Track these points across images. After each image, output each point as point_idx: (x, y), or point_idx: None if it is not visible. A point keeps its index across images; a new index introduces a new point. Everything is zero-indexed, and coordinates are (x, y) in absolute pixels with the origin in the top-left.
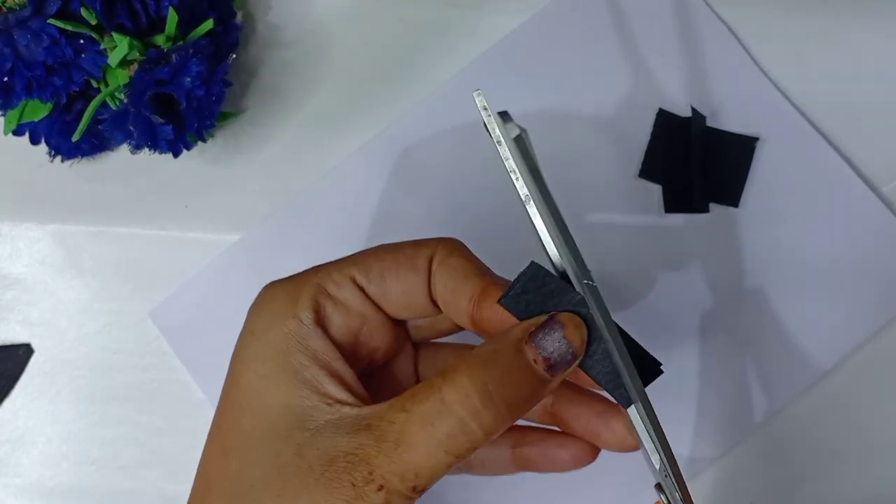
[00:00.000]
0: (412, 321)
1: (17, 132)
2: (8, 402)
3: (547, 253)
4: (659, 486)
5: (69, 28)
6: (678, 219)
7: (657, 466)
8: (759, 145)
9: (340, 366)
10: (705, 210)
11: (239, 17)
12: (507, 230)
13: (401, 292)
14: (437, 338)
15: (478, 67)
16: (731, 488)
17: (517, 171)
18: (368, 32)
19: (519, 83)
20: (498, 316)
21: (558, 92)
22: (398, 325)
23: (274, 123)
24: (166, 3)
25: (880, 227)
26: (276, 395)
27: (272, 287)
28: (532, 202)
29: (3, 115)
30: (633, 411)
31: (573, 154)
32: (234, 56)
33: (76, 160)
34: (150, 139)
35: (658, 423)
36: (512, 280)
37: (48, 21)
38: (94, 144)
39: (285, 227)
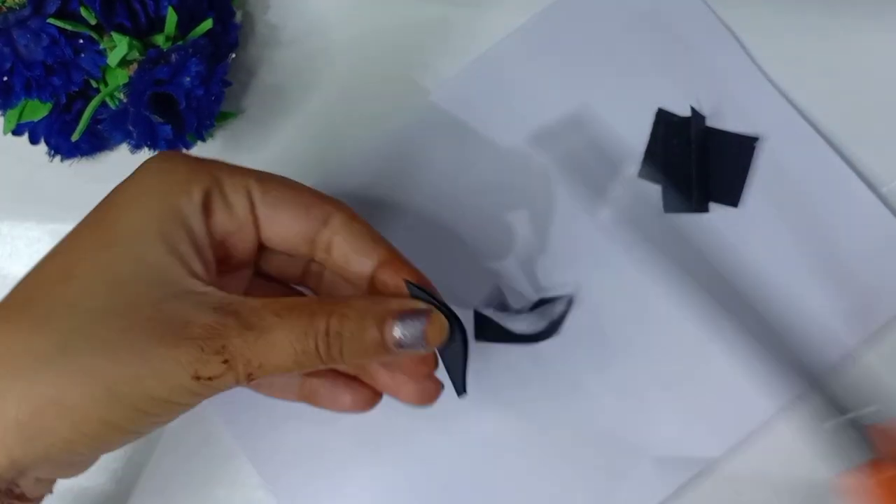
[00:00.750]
0: (269, 253)
1: (17, 132)
2: None
3: None
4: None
5: (68, 28)
6: (678, 219)
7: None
8: (758, 145)
9: (208, 253)
10: (705, 210)
11: (238, 17)
12: (501, 231)
13: (285, 227)
14: (278, 278)
15: (479, 67)
16: (732, 488)
17: None
18: (368, 32)
19: (520, 83)
20: (394, 283)
21: (558, 92)
22: (258, 249)
23: (273, 123)
24: (165, 3)
25: (880, 227)
26: (149, 250)
27: (174, 157)
28: None
29: (3, 114)
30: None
31: (573, 154)
32: (234, 56)
33: (76, 160)
34: (149, 139)
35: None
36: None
37: (48, 21)
38: (94, 144)
39: None
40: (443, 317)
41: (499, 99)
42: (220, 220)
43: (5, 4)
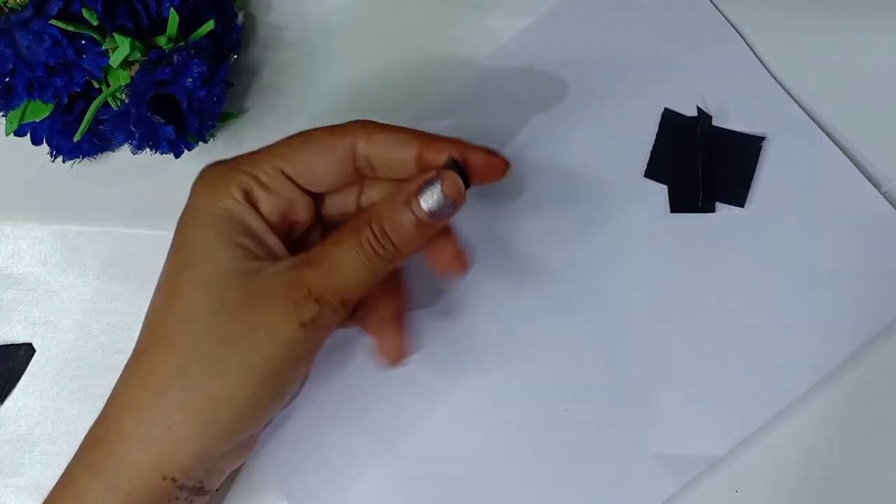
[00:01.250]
0: (327, 198)
1: (19, 133)
2: (9, 401)
3: None
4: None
5: (71, 29)
6: (684, 219)
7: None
8: (765, 145)
9: (270, 238)
10: (711, 210)
11: (240, 18)
12: (505, 232)
13: (326, 176)
14: (342, 215)
15: (484, 69)
16: (732, 488)
17: None
18: (369, 32)
19: (524, 84)
20: (438, 163)
21: (564, 92)
22: (316, 198)
23: (275, 124)
24: (167, 4)
25: (887, 226)
26: (217, 252)
27: (211, 170)
28: None
29: (5, 115)
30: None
31: (579, 154)
32: (235, 56)
33: (77, 160)
34: (151, 140)
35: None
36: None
37: (50, 22)
38: (96, 145)
39: None
40: (452, 173)
41: (504, 101)
42: (269, 204)
43: (7, 5)
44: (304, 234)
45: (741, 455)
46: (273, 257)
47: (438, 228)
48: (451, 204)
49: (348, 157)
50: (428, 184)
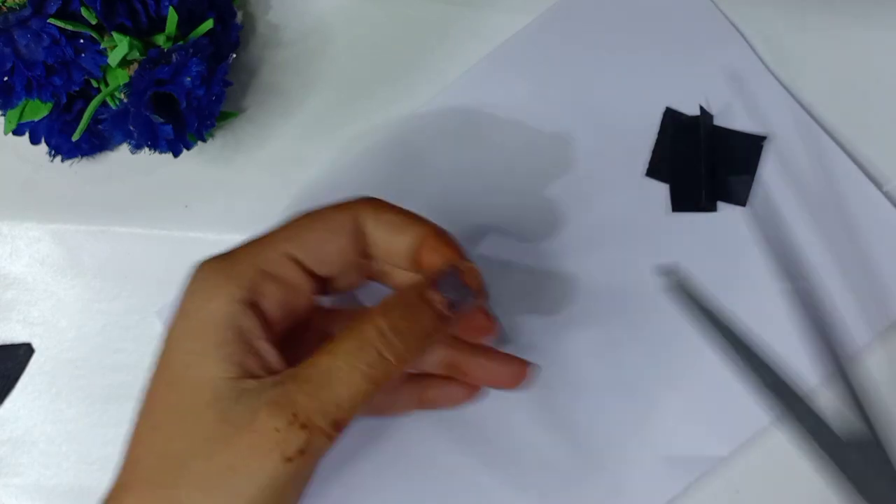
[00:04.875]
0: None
1: (17, 132)
2: (8, 401)
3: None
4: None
5: (69, 28)
6: (686, 218)
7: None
8: (766, 144)
9: (263, 345)
10: (713, 209)
11: (239, 17)
12: (508, 232)
13: (335, 255)
14: (346, 289)
15: (484, 68)
16: (733, 489)
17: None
18: (369, 32)
19: (525, 84)
20: (438, 255)
21: (565, 92)
22: (320, 281)
23: (274, 123)
24: (166, 3)
25: (888, 226)
26: (202, 369)
27: (205, 267)
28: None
29: (4, 114)
30: None
31: (580, 153)
32: (234, 56)
33: (76, 160)
34: (150, 139)
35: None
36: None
37: (48, 21)
38: (94, 144)
39: None
40: (472, 265)
41: (504, 100)
42: (276, 298)
43: (6, 4)
44: (301, 331)
45: (742, 456)
46: (264, 367)
47: (453, 326)
48: (471, 294)
49: (356, 236)
50: (445, 274)
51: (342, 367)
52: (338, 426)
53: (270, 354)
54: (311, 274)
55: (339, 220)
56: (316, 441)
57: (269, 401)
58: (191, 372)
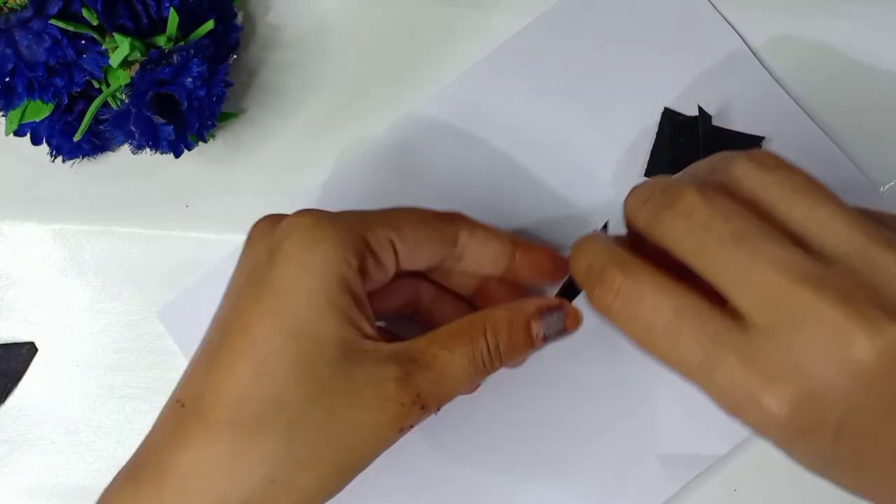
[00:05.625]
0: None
1: (19, 132)
2: (9, 400)
3: None
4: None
5: (70, 29)
6: None
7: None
8: (764, 144)
9: (369, 308)
10: None
11: (239, 18)
12: (510, 232)
13: (427, 257)
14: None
15: (484, 68)
16: (731, 487)
17: None
18: (369, 32)
19: (525, 84)
20: (527, 277)
21: (564, 92)
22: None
23: (274, 123)
24: (167, 4)
25: None
26: (327, 327)
27: (320, 224)
28: None
29: (5, 115)
30: None
31: (579, 154)
32: (235, 56)
33: (77, 160)
34: (151, 139)
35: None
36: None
37: (49, 21)
38: (96, 145)
39: None
40: (575, 308)
41: (503, 100)
42: (374, 276)
43: (7, 5)
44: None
45: (741, 454)
46: (369, 333)
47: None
48: (561, 336)
49: (451, 245)
50: (550, 311)
51: (458, 366)
52: (439, 410)
53: (372, 322)
54: (398, 265)
55: (441, 227)
56: (424, 418)
57: (397, 376)
58: (315, 327)
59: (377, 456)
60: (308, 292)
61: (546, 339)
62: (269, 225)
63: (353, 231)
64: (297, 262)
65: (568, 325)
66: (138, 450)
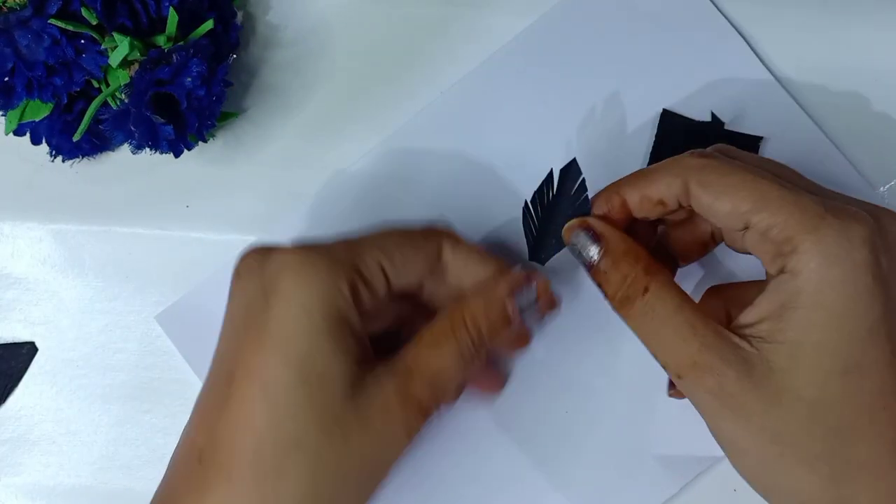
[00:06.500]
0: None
1: (18, 132)
2: (9, 400)
3: None
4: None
5: (70, 28)
6: None
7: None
8: (763, 144)
9: (366, 339)
10: None
11: (239, 18)
12: (508, 232)
13: (414, 275)
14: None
15: (485, 69)
16: (730, 487)
17: None
18: (369, 32)
19: (525, 85)
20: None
21: (564, 92)
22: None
23: (274, 123)
24: (167, 4)
25: None
26: (331, 364)
27: (311, 260)
28: None
29: (4, 115)
30: None
31: (579, 155)
32: (235, 56)
33: (77, 160)
34: (151, 139)
35: None
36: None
37: (49, 21)
38: (95, 144)
39: (294, 231)
40: (544, 276)
41: (503, 101)
42: (367, 302)
43: (6, 5)
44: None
45: None
46: (368, 358)
47: (511, 331)
48: (539, 311)
49: (434, 261)
50: (526, 287)
51: (449, 365)
52: (441, 406)
53: (368, 348)
54: (388, 287)
55: (425, 245)
56: (428, 419)
57: (397, 392)
58: (320, 366)
59: (393, 466)
60: (309, 333)
61: (521, 310)
62: (257, 260)
63: (344, 263)
64: (294, 303)
65: (539, 294)
66: (155, 500)
